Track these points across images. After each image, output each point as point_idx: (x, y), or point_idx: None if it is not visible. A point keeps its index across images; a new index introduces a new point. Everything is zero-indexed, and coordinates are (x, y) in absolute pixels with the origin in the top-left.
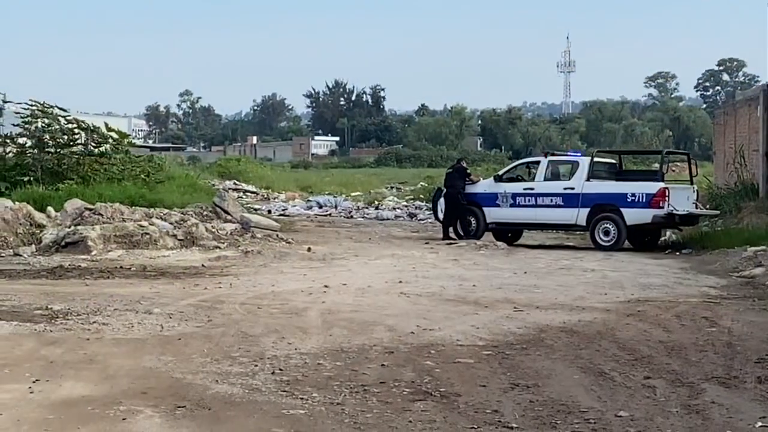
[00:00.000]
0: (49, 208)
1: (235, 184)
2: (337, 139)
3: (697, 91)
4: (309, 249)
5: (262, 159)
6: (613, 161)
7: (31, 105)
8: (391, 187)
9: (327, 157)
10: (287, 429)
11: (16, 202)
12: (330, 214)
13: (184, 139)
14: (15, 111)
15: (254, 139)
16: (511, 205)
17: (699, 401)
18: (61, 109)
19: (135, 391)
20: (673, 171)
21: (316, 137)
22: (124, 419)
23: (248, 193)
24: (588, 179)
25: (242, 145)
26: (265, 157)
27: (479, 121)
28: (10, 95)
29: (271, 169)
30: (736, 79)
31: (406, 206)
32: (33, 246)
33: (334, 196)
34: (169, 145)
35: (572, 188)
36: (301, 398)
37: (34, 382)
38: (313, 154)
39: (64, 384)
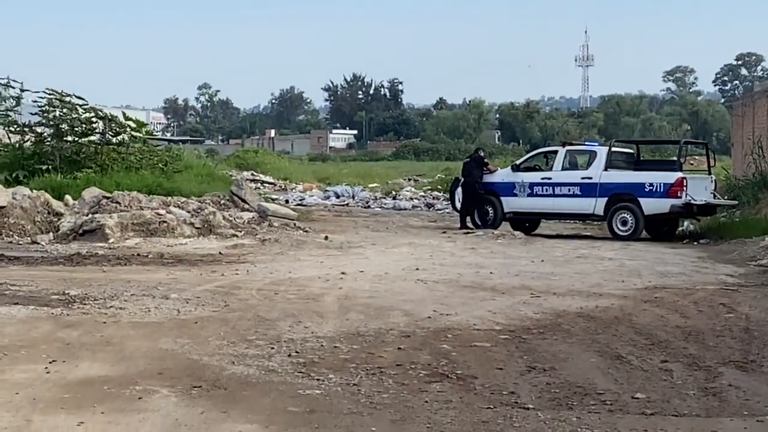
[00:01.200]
0: (67, 197)
1: (252, 174)
2: (355, 132)
3: (715, 85)
4: (326, 237)
5: (280, 152)
6: (631, 151)
7: (49, 94)
8: (409, 179)
9: (345, 150)
10: (303, 408)
11: (34, 191)
12: (347, 204)
13: (203, 132)
14: (33, 100)
15: (272, 133)
16: (529, 195)
17: (716, 384)
18: (78, 98)
19: (151, 371)
20: (691, 164)
21: (334, 130)
22: (140, 398)
23: (266, 184)
24: (606, 169)
25: (260, 138)
26: (283, 150)
27: (497, 115)
28: (28, 86)
29: (288, 161)
30: (755, 74)
31: (423, 196)
32: (51, 234)
33: (352, 187)
34: (187, 137)
35: (590, 178)
36: (318, 379)
37: (50, 362)
38: (331, 147)
39: (80, 365)
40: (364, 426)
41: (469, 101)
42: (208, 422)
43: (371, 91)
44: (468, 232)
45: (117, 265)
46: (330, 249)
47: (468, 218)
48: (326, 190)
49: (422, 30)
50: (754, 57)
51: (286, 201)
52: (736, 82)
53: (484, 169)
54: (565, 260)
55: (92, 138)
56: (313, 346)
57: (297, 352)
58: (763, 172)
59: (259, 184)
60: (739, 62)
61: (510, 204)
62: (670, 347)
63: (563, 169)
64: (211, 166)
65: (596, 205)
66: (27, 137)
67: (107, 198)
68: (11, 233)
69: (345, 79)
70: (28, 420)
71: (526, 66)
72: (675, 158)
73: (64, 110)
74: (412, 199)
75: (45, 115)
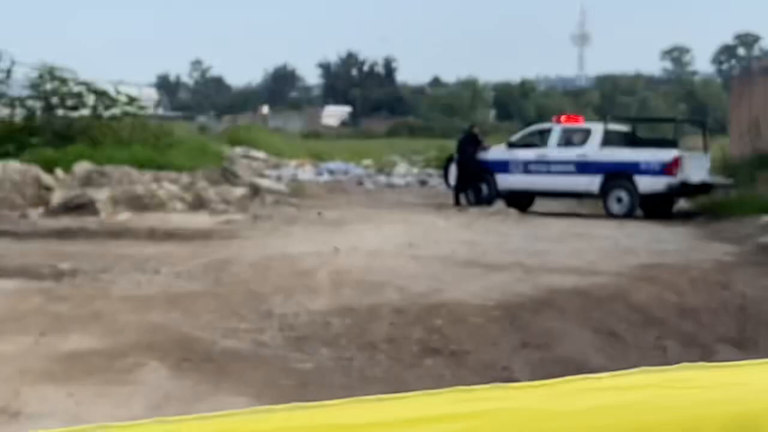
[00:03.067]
0: (58, 171)
1: (245, 150)
2: (350, 109)
3: (712, 64)
4: (319, 213)
5: (273, 129)
6: (627, 129)
7: (40, 68)
8: (403, 156)
9: (338, 127)
10: (295, 381)
11: (25, 165)
12: (341, 181)
13: (195, 108)
14: (24, 74)
15: (265, 109)
16: (523, 172)
17: (711, 361)
18: (69, 71)
19: (141, 344)
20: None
21: (328, 108)
22: (130, 371)
23: (258, 160)
24: (601, 146)
25: (253, 114)
26: (276, 126)
27: (492, 93)
28: (18, 59)
29: (281, 137)
30: (752, 54)
31: (417, 174)
32: (41, 208)
33: (345, 164)
34: (180, 113)
35: (585, 155)
36: (309, 353)
37: (40, 335)
38: (324, 125)
39: (70, 337)
40: None
41: (464, 79)
42: (198, 395)
43: (365, 69)
44: (462, 209)
45: (108, 240)
46: (323, 225)
47: (462, 195)
48: (319, 167)
49: (417, 7)
50: (751, 37)
51: (279, 177)
52: (734, 61)
53: (479, 146)
54: (560, 238)
55: (83, 112)
56: (305, 320)
57: (289, 326)
58: (759, 151)
59: (252, 160)
60: (737, 42)
61: (504, 181)
62: (665, 324)
63: (558, 146)
64: (203, 142)
65: (591, 182)
66: (17, 111)
67: (98, 172)
68: (1, 207)
69: (339, 57)
70: (17, 391)
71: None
72: (671, 136)
73: (55, 84)
74: (405, 176)
75: (36, 88)
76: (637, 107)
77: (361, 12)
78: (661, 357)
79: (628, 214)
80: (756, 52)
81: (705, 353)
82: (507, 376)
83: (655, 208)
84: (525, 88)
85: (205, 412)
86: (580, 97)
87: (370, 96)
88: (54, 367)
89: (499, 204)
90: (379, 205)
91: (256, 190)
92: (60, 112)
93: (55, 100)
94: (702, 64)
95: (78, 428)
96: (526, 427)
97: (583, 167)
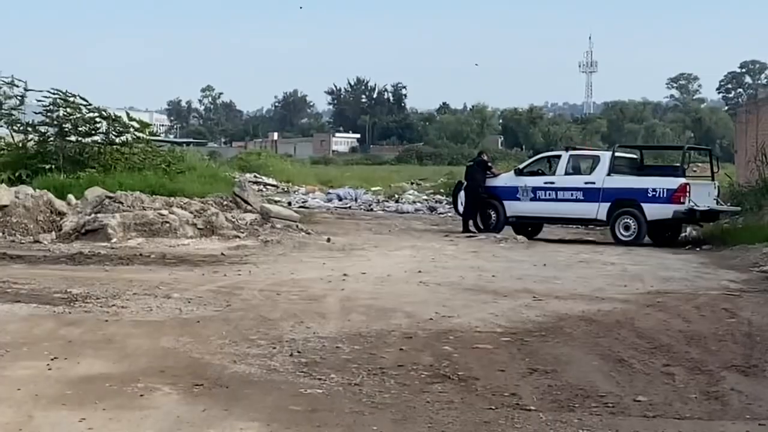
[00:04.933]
0: (70, 196)
1: (255, 177)
2: (358, 136)
3: (719, 92)
4: (328, 239)
5: (282, 155)
6: (634, 156)
7: (53, 93)
8: (412, 183)
9: (348, 154)
10: (305, 407)
11: (37, 190)
12: (350, 207)
13: (206, 134)
14: (37, 100)
15: (275, 135)
16: (532, 199)
17: (718, 388)
18: (82, 98)
19: (153, 369)
20: (694, 171)
21: (337, 134)
22: (141, 395)
23: (268, 186)
24: (609, 174)
25: (263, 140)
26: (286, 153)
27: (500, 120)
28: (31, 85)
29: (291, 164)
30: (758, 81)
31: (426, 200)
32: (53, 233)
33: (354, 190)
34: (191, 140)
35: (593, 183)
36: (319, 379)
37: (52, 359)
38: (333, 151)
39: (82, 362)
40: (366, 425)
41: (473, 106)
42: (209, 420)
43: (374, 95)
44: (470, 236)
45: (119, 265)
46: (332, 251)
47: (470, 222)
48: (329, 193)
49: (426, 35)
50: (758, 65)
51: (289, 203)
52: (740, 89)
53: (488, 172)
54: (568, 264)
55: (95, 138)
56: (314, 346)
57: (299, 351)
58: (766, 178)
59: (262, 186)
60: (743, 70)
61: (513, 208)
62: (672, 351)
63: (566, 173)
64: (214, 168)
65: (599, 210)
66: (30, 136)
67: (110, 198)
68: (14, 232)
69: (348, 83)
70: (29, 416)
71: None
72: (678, 164)
73: (68, 110)
74: (414, 202)
75: (49, 114)
76: (644, 134)
77: (371, 39)
78: (669, 383)
79: (636, 241)
80: (762, 80)
81: (712, 380)
82: (515, 402)
83: (663, 236)
84: (533, 115)
85: None
86: (587, 124)
87: (379, 122)
88: (66, 392)
89: (508, 231)
90: (389, 232)
91: (266, 216)
92: (73, 137)
93: (67, 126)
94: (708, 91)
95: None
96: None
97: (591, 194)
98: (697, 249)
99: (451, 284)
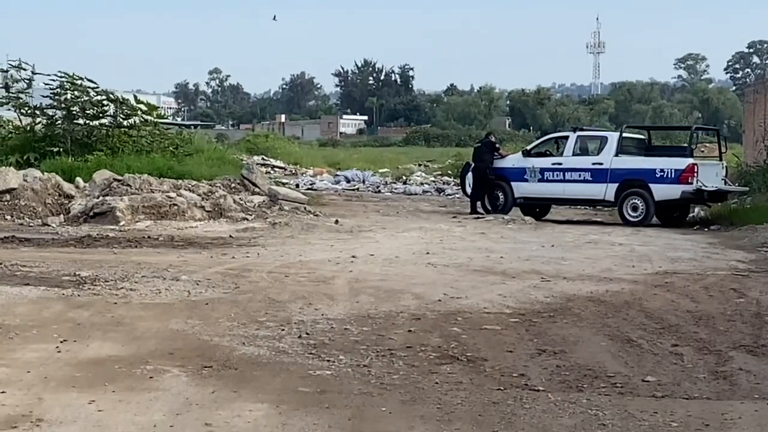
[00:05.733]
0: (78, 179)
1: (263, 159)
2: (366, 118)
3: (726, 73)
4: (336, 221)
5: (290, 137)
6: (642, 137)
7: (61, 77)
8: (419, 164)
9: (355, 136)
10: (313, 388)
11: (45, 173)
12: (358, 189)
13: (213, 117)
14: (44, 83)
15: (282, 118)
16: (539, 180)
17: (726, 368)
18: (90, 81)
19: (162, 351)
20: (702, 151)
21: (345, 116)
22: (151, 378)
23: (276, 168)
24: (616, 154)
25: (270, 123)
26: (293, 135)
27: (508, 102)
28: (39, 69)
29: (299, 146)
30: (766, 61)
31: (434, 181)
32: (61, 216)
33: (362, 172)
34: (198, 122)
35: (601, 163)
36: (328, 360)
37: (61, 342)
38: (341, 133)
39: (91, 344)
40: (375, 406)
41: (480, 87)
42: (218, 401)
43: (382, 77)
44: (478, 217)
45: (128, 248)
46: (340, 233)
47: (478, 203)
48: (336, 175)
49: (433, 16)
50: (765, 45)
51: (297, 185)
52: (748, 69)
53: (495, 154)
54: (576, 245)
55: (103, 121)
56: (323, 327)
57: (307, 333)
58: None
59: (270, 169)
60: (751, 50)
61: (520, 189)
62: (681, 331)
63: (574, 154)
64: (221, 150)
65: (607, 190)
66: (38, 120)
67: (118, 181)
68: (22, 215)
69: (356, 65)
70: (39, 398)
71: (537, 53)
72: (686, 144)
73: (76, 93)
74: (422, 184)
75: (56, 97)
76: (652, 115)
77: (378, 21)
78: (678, 364)
79: (644, 222)
80: None
81: (720, 360)
82: (524, 382)
83: (671, 216)
84: (540, 96)
85: (225, 418)
86: (595, 105)
87: (386, 104)
88: (75, 374)
89: (515, 212)
90: (396, 213)
91: (274, 198)
92: (80, 120)
93: (75, 109)
94: (716, 71)
95: None
96: None
97: (599, 175)
98: (705, 229)
99: (459, 265)
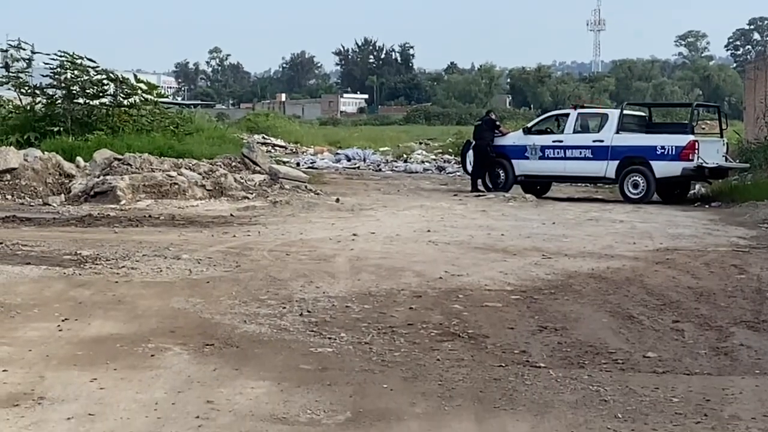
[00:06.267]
0: (78, 159)
1: (263, 138)
2: (366, 96)
3: (727, 50)
4: (337, 200)
5: (290, 116)
6: (643, 114)
7: (61, 56)
8: (420, 142)
9: (356, 114)
10: (315, 366)
11: (46, 153)
12: (358, 167)
13: (213, 96)
14: (44, 62)
15: (283, 97)
16: (540, 158)
17: (727, 344)
18: (90, 60)
19: (163, 329)
20: (703, 128)
21: (345, 95)
22: (152, 355)
23: (277, 147)
24: (617, 132)
25: (271, 102)
26: (294, 114)
27: (508, 80)
28: (39, 48)
29: (299, 125)
30: (767, 38)
31: (434, 160)
32: (62, 195)
33: (363, 150)
34: (198, 101)
35: (601, 141)
36: (329, 338)
37: (63, 320)
38: (341, 112)
39: (92, 323)
40: (376, 383)
41: (480, 66)
42: (220, 379)
43: (382, 56)
44: (479, 195)
45: (128, 227)
46: (341, 211)
47: (479, 181)
48: (337, 154)
49: None
50: (766, 21)
51: (297, 164)
52: (748, 46)
53: (496, 132)
54: (577, 223)
55: (103, 100)
56: (324, 305)
57: (309, 311)
58: None
59: (270, 147)
60: (752, 26)
61: (521, 167)
62: (682, 307)
63: (575, 132)
64: (222, 129)
65: (608, 168)
66: (38, 99)
67: (118, 160)
68: (23, 195)
69: (356, 44)
70: (41, 376)
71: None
72: (687, 121)
73: (76, 72)
74: (423, 162)
75: (56, 77)
76: (653, 92)
77: None
78: (679, 340)
79: (645, 199)
80: None
81: (721, 336)
82: (525, 359)
83: (671, 193)
84: (541, 74)
85: (227, 396)
86: (595, 83)
87: (387, 83)
88: (77, 352)
89: (516, 189)
90: (397, 191)
91: (274, 177)
92: (80, 100)
93: (75, 88)
94: (717, 48)
95: None
96: None
97: (600, 152)
98: (706, 206)
99: (460, 243)
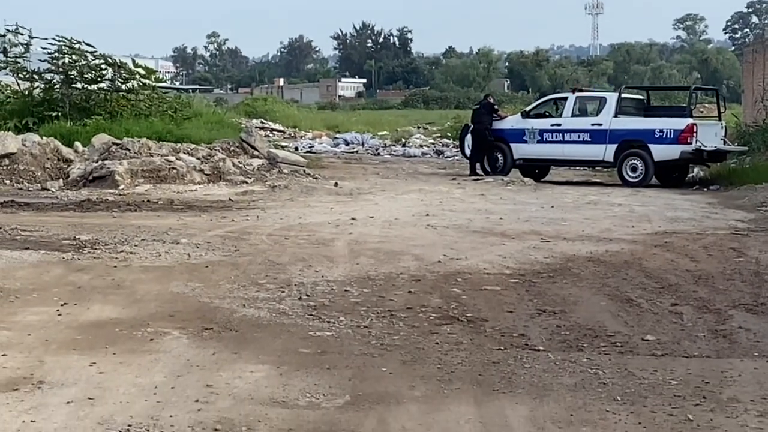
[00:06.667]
0: (77, 143)
1: (261, 122)
2: (364, 81)
3: (725, 33)
4: (336, 184)
5: (289, 101)
6: (641, 98)
7: (59, 41)
8: (418, 127)
9: (354, 99)
10: (314, 349)
11: (44, 138)
12: (357, 152)
13: (211, 80)
14: (42, 47)
15: (281, 81)
16: (539, 142)
17: (726, 326)
18: (88, 45)
19: (162, 314)
20: (701, 111)
21: (343, 79)
22: (151, 340)
23: (275, 132)
24: (616, 115)
25: (269, 87)
26: (292, 98)
27: (506, 64)
28: (36, 33)
29: (297, 109)
30: (765, 21)
31: (433, 144)
32: (60, 180)
33: (361, 134)
34: (196, 86)
35: (600, 124)
36: (328, 322)
37: (62, 305)
38: (340, 96)
39: (91, 307)
40: (375, 367)
41: (479, 50)
42: (219, 363)
43: (380, 40)
44: (478, 179)
45: (127, 211)
46: (340, 195)
47: (478, 165)
48: (335, 138)
49: None
50: (764, 4)
51: (296, 148)
52: (747, 29)
53: (494, 115)
54: (575, 206)
55: (102, 85)
56: (323, 289)
57: (307, 295)
58: None
59: (269, 132)
60: (750, 10)
61: (520, 151)
62: (680, 290)
63: (573, 115)
64: (220, 114)
65: (606, 151)
66: (36, 84)
67: (117, 145)
68: (21, 180)
69: (354, 28)
70: (40, 361)
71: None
72: (685, 105)
73: (74, 57)
74: (421, 146)
75: (54, 62)
76: (651, 76)
77: None
78: (678, 323)
79: (643, 183)
80: None
81: (720, 318)
82: (524, 342)
83: (670, 176)
84: (539, 58)
85: (227, 380)
86: (593, 67)
87: (385, 67)
88: (76, 337)
89: (515, 173)
90: (396, 176)
91: (273, 161)
92: (78, 85)
93: (73, 73)
94: (715, 32)
95: None
96: None
97: (598, 136)
98: (705, 189)
99: (458, 227)
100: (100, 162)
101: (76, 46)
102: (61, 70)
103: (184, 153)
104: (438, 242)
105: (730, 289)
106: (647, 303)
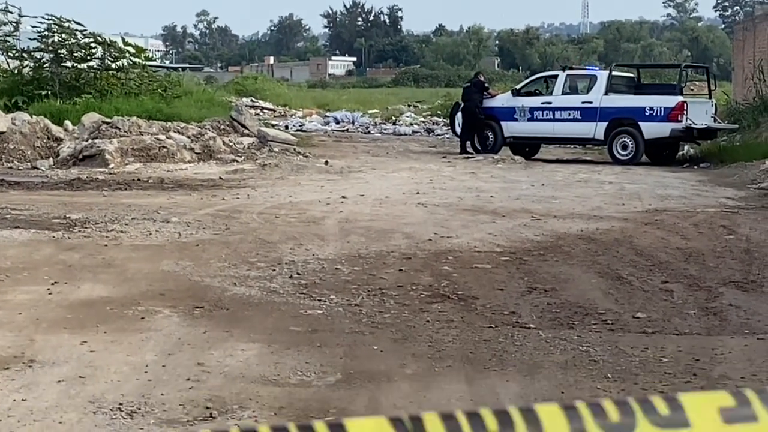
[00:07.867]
0: (67, 122)
1: (252, 101)
2: (355, 59)
3: (716, 11)
4: (326, 162)
5: (279, 79)
6: (632, 75)
7: (48, 19)
8: (409, 105)
9: (344, 77)
10: (305, 327)
11: (34, 116)
12: (347, 130)
13: (201, 59)
14: (31, 26)
15: (271, 60)
16: (529, 120)
17: (716, 304)
18: (77, 23)
19: (153, 292)
20: (692, 89)
21: (334, 57)
22: (142, 318)
23: (265, 110)
24: (606, 93)
25: (259, 65)
26: (282, 77)
27: (497, 42)
28: (26, 11)
29: (288, 88)
30: None
31: (423, 122)
32: (50, 159)
33: (351, 113)
34: (186, 65)
35: (590, 102)
36: (319, 300)
37: (52, 284)
38: (330, 75)
39: (82, 286)
40: (366, 344)
41: (469, 28)
42: (210, 341)
43: (371, 18)
44: (468, 157)
45: (117, 190)
46: (330, 174)
47: (468, 143)
48: (326, 116)
49: None
50: None
51: (286, 127)
52: (737, 7)
53: (485, 93)
54: (566, 184)
55: (91, 63)
56: (314, 267)
57: (298, 273)
58: (763, 96)
59: (259, 111)
60: None
61: (510, 129)
62: (671, 268)
63: (563, 93)
64: (210, 92)
65: (596, 129)
66: (26, 63)
67: (107, 123)
68: (11, 158)
69: (344, 6)
70: (31, 339)
71: None
72: (675, 82)
73: (63, 36)
74: (412, 124)
75: (44, 40)
76: (641, 54)
77: None
78: (668, 300)
79: (633, 160)
80: None
81: (710, 296)
82: (515, 320)
83: (660, 154)
84: (529, 36)
85: (218, 358)
86: (584, 45)
87: (375, 45)
88: (67, 315)
89: (505, 151)
90: (386, 154)
91: (263, 140)
92: (68, 63)
93: (63, 51)
94: (705, 9)
95: None
96: None
97: (589, 114)
98: (695, 167)
99: (449, 205)
100: (90, 141)
101: (66, 24)
102: (50, 48)
103: (175, 132)
104: (428, 220)
105: (720, 267)
106: (638, 281)
